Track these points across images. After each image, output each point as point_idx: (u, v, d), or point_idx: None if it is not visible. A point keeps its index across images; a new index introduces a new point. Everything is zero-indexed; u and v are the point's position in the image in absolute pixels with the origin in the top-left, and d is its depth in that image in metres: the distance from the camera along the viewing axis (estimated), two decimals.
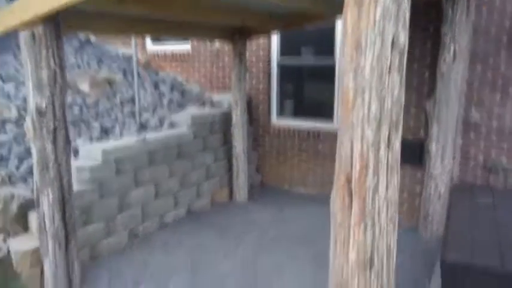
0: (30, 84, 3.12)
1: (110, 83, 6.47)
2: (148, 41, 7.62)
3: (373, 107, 1.66)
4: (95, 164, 4.16)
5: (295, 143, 6.40)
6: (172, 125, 5.60)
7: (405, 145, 4.89)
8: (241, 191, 5.93)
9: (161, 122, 5.80)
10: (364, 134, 1.69)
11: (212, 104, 6.36)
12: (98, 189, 4.16)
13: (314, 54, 6.21)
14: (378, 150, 1.70)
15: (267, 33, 5.72)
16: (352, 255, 1.78)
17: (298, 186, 6.48)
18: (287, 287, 3.71)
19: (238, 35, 5.48)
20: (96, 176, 4.14)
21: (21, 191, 3.99)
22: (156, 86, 6.83)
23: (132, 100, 6.17)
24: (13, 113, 5.61)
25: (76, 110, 5.76)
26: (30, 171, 4.37)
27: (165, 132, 5.16)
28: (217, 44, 6.76)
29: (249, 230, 4.91)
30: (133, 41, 5.73)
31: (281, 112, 6.61)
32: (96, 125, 5.54)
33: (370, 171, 1.71)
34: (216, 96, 6.47)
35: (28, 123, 3.19)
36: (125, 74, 6.90)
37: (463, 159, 5.02)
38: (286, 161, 6.53)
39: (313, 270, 3.99)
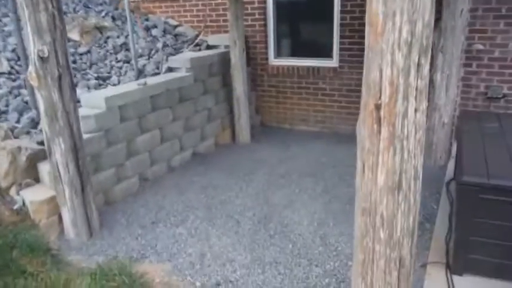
0: (29, 30, 3.00)
1: (100, 29, 6.24)
2: None
3: (404, 31, 1.64)
4: (100, 112, 4.11)
5: (295, 81, 6.35)
6: (170, 69, 5.49)
7: None
8: (243, 132, 5.96)
9: (158, 67, 5.68)
10: (394, 60, 1.68)
11: (208, 46, 6.20)
12: (104, 137, 4.15)
13: None
14: (407, 75, 1.69)
15: None
16: (381, 180, 1.83)
17: (299, 124, 6.52)
18: (301, 217, 3.84)
19: None
20: (101, 124, 4.11)
21: (27, 143, 3.96)
22: (147, 30, 6.61)
23: (125, 46, 6.00)
24: (4, 66, 5.44)
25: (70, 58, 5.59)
26: (32, 124, 4.33)
27: (165, 77, 5.07)
28: None
29: (257, 168, 5.00)
30: None
31: (279, 51, 6.49)
32: (91, 73, 5.42)
33: (400, 96, 1.71)
34: (211, 38, 6.30)
35: (31, 72, 3.10)
36: (113, 19, 6.65)
37: (465, 89, 5.04)
38: (286, 99, 6.52)
39: (323, 202, 4.12)
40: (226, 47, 6.05)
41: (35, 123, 4.38)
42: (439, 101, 4.65)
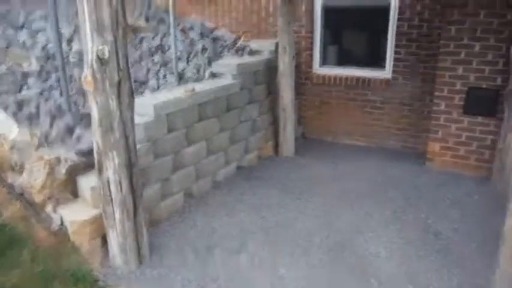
0: (87, 27, 2.57)
1: (135, 30, 5.84)
2: None
3: None
4: (148, 121, 3.69)
5: (341, 92, 5.91)
6: (213, 74, 5.07)
7: (478, 95, 4.50)
8: (288, 144, 5.52)
9: (198, 71, 5.26)
10: None
11: (251, 51, 5.78)
12: (152, 148, 3.72)
13: None
14: None
15: None
16: None
17: (343, 137, 6.07)
18: (376, 247, 3.38)
19: None
20: (150, 133, 3.69)
21: (65, 154, 3.53)
22: (184, 32, 6.20)
23: (161, 48, 5.59)
24: (34, 65, 5.05)
25: None
26: (67, 131, 3.91)
27: (212, 83, 4.64)
28: None
29: (309, 186, 4.55)
30: None
31: (325, 59, 6.06)
32: None
33: None
34: (254, 43, 5.87)
35: (87, 75, 2.67)
36: (147, 19, 6.24)
37: None
38: (331, 110, 6.07)
39: (395, 229, 3.68)
40: (271, 52, 5.64)
41: (70, 129, 3.96)
42: None
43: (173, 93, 4.13)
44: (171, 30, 4.95)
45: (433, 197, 4.26)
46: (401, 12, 5.29)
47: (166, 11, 6.33)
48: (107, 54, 2.62)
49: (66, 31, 5.36)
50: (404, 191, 4.42)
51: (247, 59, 5.39)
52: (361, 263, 3.20)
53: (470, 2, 4.36)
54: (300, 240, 3.49)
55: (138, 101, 3.82)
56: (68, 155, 3.46)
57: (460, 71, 4.59)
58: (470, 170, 4.80)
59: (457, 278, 3.01)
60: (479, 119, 4.63)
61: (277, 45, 5.53)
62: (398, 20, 5.33)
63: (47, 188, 3.34)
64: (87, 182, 3.38)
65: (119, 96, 2.75)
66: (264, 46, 5.74)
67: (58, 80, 4.57)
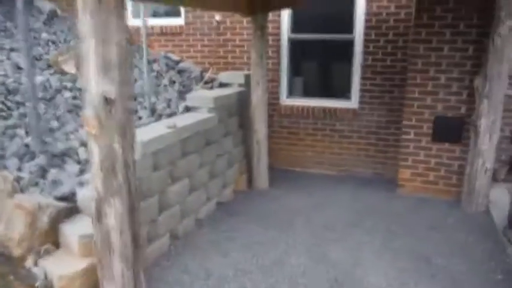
0: (92, 65, 2.40)
1: None
2: (127, 14, 6.70)
3: None
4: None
5: (309, 123, 6.03)
6: (188, 108, 4.95)
7: (444, 123, 4.80)
8: (262, 177, 5.48)
9: (169, 105, 5.13)
10: None
11: (221, 84, 5.74)
12: (139, 190, 3.49)
13: (329, 30, 5.79)
14: None
15: (291, 5, 5.18)
16: None
17: (312, 167, 6.16)
18: (378, 280, 3.39)
19: (260, 5, 4.90)
20: (137, 174, 3.46)
21: (45, 199, 3.23)
22: (148, 64, 6.03)
23: None
24: None
25: (68, 94, 4.90)
26: (40, 173, 3.61)
27: (190, 117, 4.51)
28: (217, 16, 6.09)
29: (292, 218, 4.52)
30: (141, 10, 4.92)
31: (292, 90, 6.19)
32: None
33: None
34: (223, 76, 5.84)
35: (90, 117, 2.48)
36: None
37: None
38: (299, 141, 6.16)
39: (389, 259, 3.72)
40: (241, 85, 5.64)
41: (43, 171, 3.66)
42: (482, 146, 4.51)
43: (155, 130, 3.95)
44: (144, 66, 4.80)
45: (412, 223, 4.41)
46: (365, 46, 5.56)
47: (131, 44, 6.16)
48: (113, 95, 2.45)
49: (20, 61, 4.98)
50: (384, 218, 4.54)
51: (219, 91, 5.33)
52: None
53: (434, 38, 4.68)
54: (299, 279, 3.42)
55: None
56: (49, 201, 3.16)
57: (428, 101, 4.88)
58: (439, 194, 5.05)
59: None
60: (446, 145, 4.92)
61: (246, 77, 5.56)
62: (363, 53, 5.59)
63: (27, 240, 3.01)
64: (73, 230, 3.11)
65: (124, 138, 2.57)
66: (233, 78, 5.73)
67: (22, 117, 4.22)
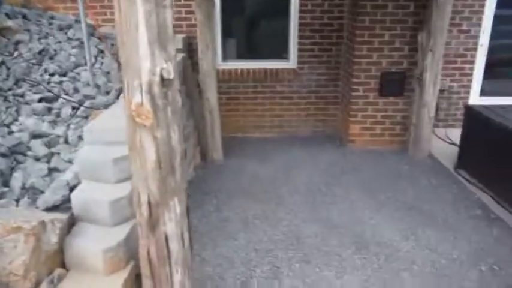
0: (144, 36, 1.86)
1: (2, 32, 4.45)
2: None
3: None
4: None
5: (249, 86, 5.82)
6: None
7: (389, 78, 5.11)
8: (217, 148, 5.17)
9: (110, 80, 4.41)
10: None
11: None
12: None
13: None
14: None
15: None
16: None
17: (254, 131, 6.03)
18: (393, 234, 3.55)
19: None
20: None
21: (42, 213, 2.54)
22: (61, 30, 5.03)
23: (46, 54, 4.44)
24: None
25: None
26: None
27: None
28: None
29: (271, 188, 4.41)
30: None
31: (227, 53, 5.83)
32: (30, 94, 3.85)
33: None
34: None
35: (140, 104, 1.94)
36: (8, 16, 4.81)
37: None
38: (238, 106, 5.93)
39: (386, 213, 3.91)
40: (178, 50, 5.09)
41: (4, 178, 2.88)
42: (427, 97, 4.94)
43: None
44: (84, 34, 3.97)
45: (378, 175, 4.70)
46: (302, 4, 5.48)
47: (24, 6, 5.03)
48: (172, 74, 1.94)
49: None
50: (352, 174, 4.74)
51: None
52: (395, 254, 3.32)
53: None
54: (323, 247, 3.38)
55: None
56: (52, 215, 2.47)
57: (374, 57, 5.09)
58: (385, 144, 5.45)
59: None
60: (391, 99, 5.27)
61: (185, 40, 5.05)
62: (300, 12, 5.51)
63: (34, 269, 2.33)
64: (88, 244, 2.51)
65: (179, 127, 2.09)
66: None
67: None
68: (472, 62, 5.63)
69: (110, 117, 3.31)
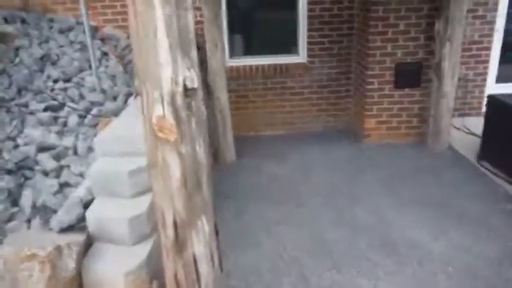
0: (164, 43, 1.67)
1: (2, 38, 4.26)
2: None
3: None
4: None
5: (259, 83, 5.63)
6: None
7: (405, 69, 4.90)
8: (229, 148, 5.00)
9: (116, 84, 4.22)
10: None
11: None
12: None
13: None
14: None
15: None
16: None
17: (266, 129, 5.85)
18: (421, 234, 3.38)
19: None
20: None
21: (63, 237, 2.37)
22: (62, 33, 4.84)
23: (48, 59, 4.26)
24: None
25: None
26: (10, 200, 2.66)
27: None
28: None
29: (290, 188, 4.24)
30: None
31: (235, 49, 5.63)
32: (34, 104, 3.68)
33: None
34: None
35: (163, 118, 1.75)
36: (6, 21, 4.62)
37: None
38: (249, 104, 5.74)
39: (413, 211, 3.74)
40: None
41: (13, 197, 2.71)
42: (446, 87, 4.75)
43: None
44: (87, 38, 3.78)
45: (399, 170, 4.52)
46: None
47: (22, 9, 4.84)
48: (196, 82, 1.76)
49: None
50: (372, 171, 4.56)
51: None
52: (430, 258, 3.16)
53: None
54: (352, 252, 3.21)
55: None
56: (68, 236, 2.30)
57: (389, 48, 4.89)
58: (402, 137, 5.26)
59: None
60: (407, 90, 5.08)
61: (197, 38, 4.83)
62: (309, 3, 5.30)
63: None
64: (107, 267, 2.34)
65: (204, 140, 1.91)
66: None
67: None
68: (488, 49, 5.43)
69: (121, 125, 3.13)
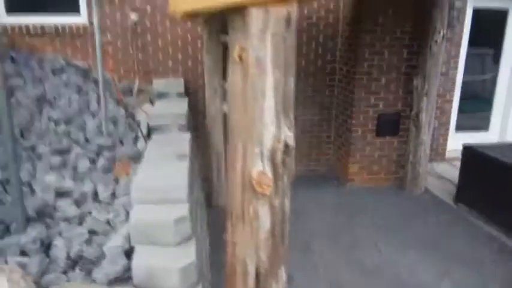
0: (270, 104, 1.81)
1: None
2: None
3: None
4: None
5: None
6: (150, 129, 4.16)
7: (386, 119, 5.36)
8: (222, 193, 5.04)
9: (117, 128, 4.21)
10: None
11: (159, 94, 4.96)
12: None
13: None
14: None
15: None
16: None
17: None
18: (426, 278, 3.63)
19: None
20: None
21: None
22: (54, 74, 4.74)
23: (45, 99, 4.16)
24: None
25: None
26: (42, 250, 2.58)
27: (183, 140, 3.80)
28: (133, 15, 5.15)
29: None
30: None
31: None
32: (42, 147, 3.58)
33: None
34: (157, 85, 5.05)
35: (262, 173, 1.86)
36: None
37: None
38: None
39: (414, 254, 4.01)
40: (180, 94, 5.03)
41: (45, 247, 2.62)
42: (424, 136, 5.23)
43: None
44: (99, 79, 3.77)
45: (386, 213, 4.84)
46: (298, 49, 5.62)
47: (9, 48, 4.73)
48: (293, 142, 1.90)
49: None
50: (360, 215, 4.82)
51: (172, 105, 4.62)
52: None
53: (377, 43, 5.12)
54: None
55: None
56: None
57: (372, 100, 5.32)
58: (381, 182, 5.64)
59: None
60: (387, 138, 5.50)
61: (186, 85, 4.98)
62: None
63: None
64: None
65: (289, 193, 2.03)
66: (170, 87, 5.03)
67: None
68: (450, 101, 6.08)
69: (150, 171, 3.12)
